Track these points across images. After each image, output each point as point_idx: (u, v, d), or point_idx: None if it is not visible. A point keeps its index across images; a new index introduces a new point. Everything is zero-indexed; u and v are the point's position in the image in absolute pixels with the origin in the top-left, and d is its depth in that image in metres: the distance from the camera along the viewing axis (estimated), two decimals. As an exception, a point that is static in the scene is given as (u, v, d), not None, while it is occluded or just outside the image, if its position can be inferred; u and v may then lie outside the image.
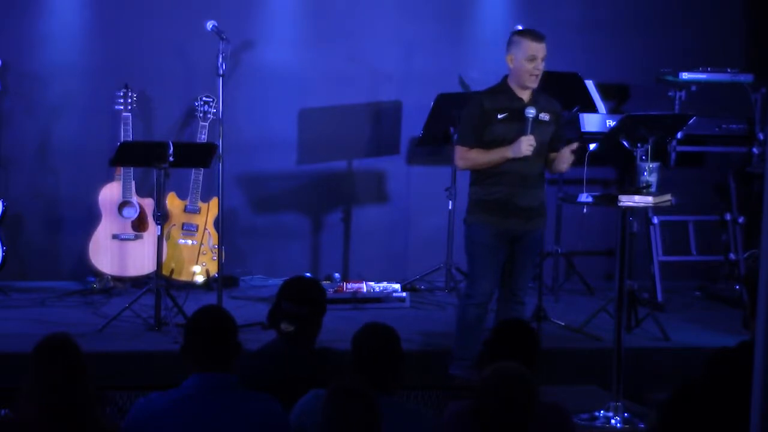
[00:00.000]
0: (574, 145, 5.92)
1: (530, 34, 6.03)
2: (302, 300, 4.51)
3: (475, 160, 6.00)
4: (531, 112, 5.89)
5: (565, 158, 5.93)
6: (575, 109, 7.49)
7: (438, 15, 8.24)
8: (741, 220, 7.89)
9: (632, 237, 6.20)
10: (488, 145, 5.93)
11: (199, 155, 6.80)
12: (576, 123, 7.50)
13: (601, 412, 5.56)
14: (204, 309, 4.03)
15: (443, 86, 7.85)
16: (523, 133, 5.86)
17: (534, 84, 6.00)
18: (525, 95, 5.99)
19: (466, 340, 5.99)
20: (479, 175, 6.02)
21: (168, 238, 7.53)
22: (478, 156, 5.97)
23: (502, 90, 6.03)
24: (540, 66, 5.98)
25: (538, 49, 5.97)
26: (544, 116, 5.98)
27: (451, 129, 7.62)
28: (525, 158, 5.85)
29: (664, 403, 3.33)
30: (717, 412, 3.28)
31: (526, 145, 5.83)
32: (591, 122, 7.51)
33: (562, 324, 6.72)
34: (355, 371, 3.93)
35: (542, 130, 5.95)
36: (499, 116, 5.95)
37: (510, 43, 6.00)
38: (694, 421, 3.27)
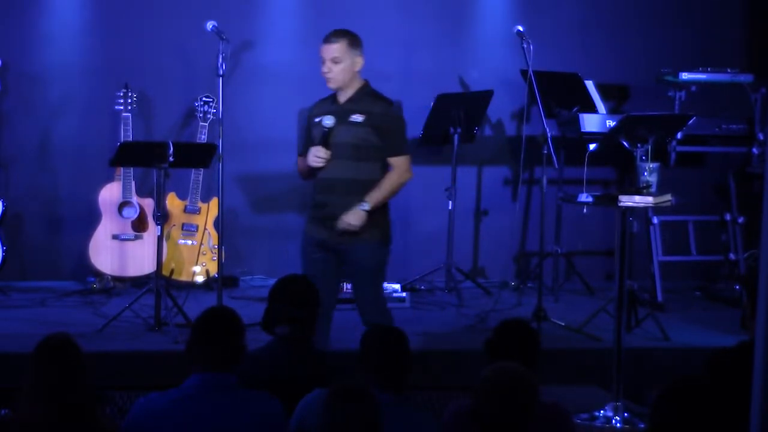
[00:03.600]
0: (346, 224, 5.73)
1: (327, 35, 5.94)
2: (297, 302, 4.50)
3: (299, 168, 6.01)
4: (327, 122, 5.81)
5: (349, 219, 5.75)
6: (575, 109, 7.49)
7: (438, 15, 8.24)
8: (741, 220, 7.89)
9: (632, 237, 6.20)
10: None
11: (199, 155, 6.80)
12: (576, 123, 7.50)
13: (601, 412, 5.57)
14: (214, 309, 4.06)
15: (443, 86, 7.86)
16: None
17: (331, 86, 5.88)
18: (343, 98, 5.92)
19: None
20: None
21: (168, 238, 7.53)
22: (301, 164, 5.99)
23: (330, 96, 6.00)
24: (327, 68, 5.82)
25: (324, 50, 5.85)
26: (357, 117, 5.83)
27: (451, 129, 7.63)
28: (333, 164, 5.76)
29: (657, 401, 3.33)
30: (717, 413, 3.28)
31: (312, 155, 5.78)
32: (591, 122, 7.51)
33: (562, 324, 6.71)
34: (363, 371, 3.94)
35: (350, 133, 5.78)
36: (316, 120, 5.93)
37: None
38: (692, 422, 3.27)
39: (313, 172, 5.87)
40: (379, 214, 5.81)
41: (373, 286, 5.85)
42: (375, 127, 5.78)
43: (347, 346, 5.70)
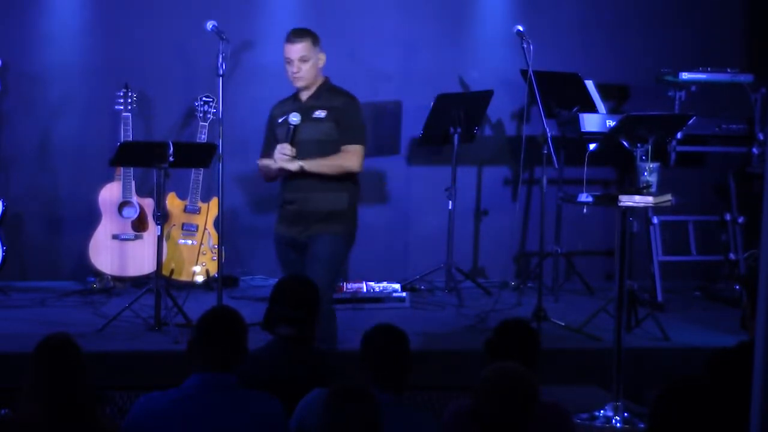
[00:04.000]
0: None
1: (288, 35, 5.95)
2: (298, 303, 4.51)
3: (261, 170, 6.03)
4: (293, 120, 5.83)
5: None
6: (575, 109, 7.49)
7: (438, 15, 8.24)
8: (741, 220, 7.89)
9: (632, 237, 6.20)
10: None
11: (199, 155, 6.80)
12: (576, 123, 7.50)
13: (601, 412, 5.57)
14: (217, 309, 4.06)
15: (443, 86, 7.86)
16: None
17: (299, 84, 5.92)
18: (305, 95, 5.94)
19: None
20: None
21: (168, 238, 7.53)
22: (262, 165, 6.00)
23: (292, 95, 6.02)
24: (296, 68, 5.85)
25: (290, 50, 5.90)
26: (319, 114, 5.88)
27: (451, 129, 7.62)
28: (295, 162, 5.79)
29: (656, 401, 3.34)
30: (716, 413, 3.28)
31: (278, 153, 5.80)
32: (591, 122, 7.50)
33: (562, 324, 6.71)
34: (363, 371, 3.95)
35: (314, 129, 5.83)
36: (279, 120, 5.96)
37: None
38: (692, 422, 3.27)
39: (275, 173, 5.91)
40: (348, 212, 5.88)
41: (323, 277, 5.77)
42: (336, 121, 5.84)
43: (347, 346, 5.72)
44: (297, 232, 5.86)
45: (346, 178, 5.93)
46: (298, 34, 5.93)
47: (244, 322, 4.02)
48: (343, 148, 5.87)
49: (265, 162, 6.01)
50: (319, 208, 5.85)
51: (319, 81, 5.97)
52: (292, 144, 5.82)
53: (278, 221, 6.01)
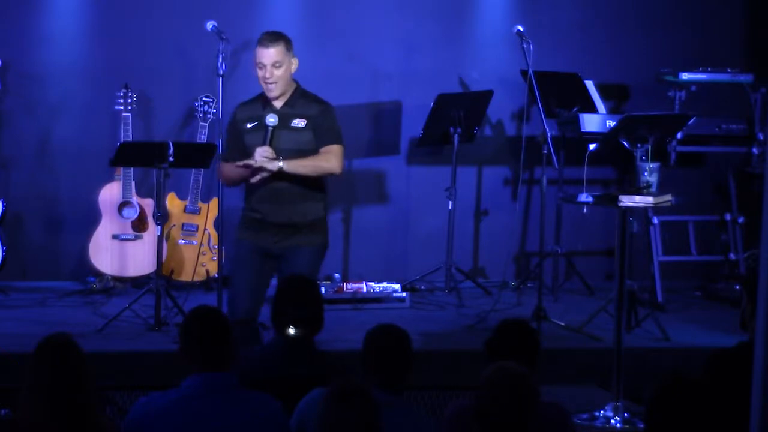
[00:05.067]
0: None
1: (261, 38, 5.77)
2: (306, 302, 4.52)
3: (228, 174, 5.88)
4: (271, 121, 5.69)
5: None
6: (575, 109, 7.49)
7: (438, 15, 8.23)
8: (741, 220, 7.89)
9: (632, 237, 6.20)
10: (243, 156, 5.77)
11: (199, 155, 6.80)
12: (576, 123, 7.50)
13: (601, 412, 5.57)
14: (196, 310, 4.04)
15: (443, 86, 7.86)
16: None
17: (271, 93, 5.74)
18: (278, 102, 5.82)
19: None
20: (245, 192, 5.93)
21: (168, 238, 7.53)
22: (230, 170, 5.87)
23: (259, 98, 5.88)
24: (269, 73, 5.69)
25: (263, 55, 5.72)
26: (299, 123, 5.72)
27: (451, 129, 7.62)
28: (279, 172, 5.69)
29: (653, 402, 3.34)
30: (713, 412, 3.28)
31: (259, 156, 5.66)
32: (591, 122, 7.51)
33: (562, 324, 6.71)
34: (363, 369, 3.95)
35: (295, 138, 5.68)
36: (249, 126, 5.81)
37: None
38: (689, 422, 3.27)
39: (244, 178, 5.79)
40: (324, 221, 5.87)
41: None
42: (314, 129, 5.76)
43: (347, 346, 5.72)
44: (271, 242, 5.78)
45: (320, 186, 5.85)
46: (271, 38, 5.77)
47: (225, 317, 4.02)
48: (323, 149, 5.77)
49: (236, 164, 5.83)
50: (299, 219, 5.76)
51: (292, 87, 5.88)
52: (270, 147, 5.74)
53: (243, 226, 5.90)
